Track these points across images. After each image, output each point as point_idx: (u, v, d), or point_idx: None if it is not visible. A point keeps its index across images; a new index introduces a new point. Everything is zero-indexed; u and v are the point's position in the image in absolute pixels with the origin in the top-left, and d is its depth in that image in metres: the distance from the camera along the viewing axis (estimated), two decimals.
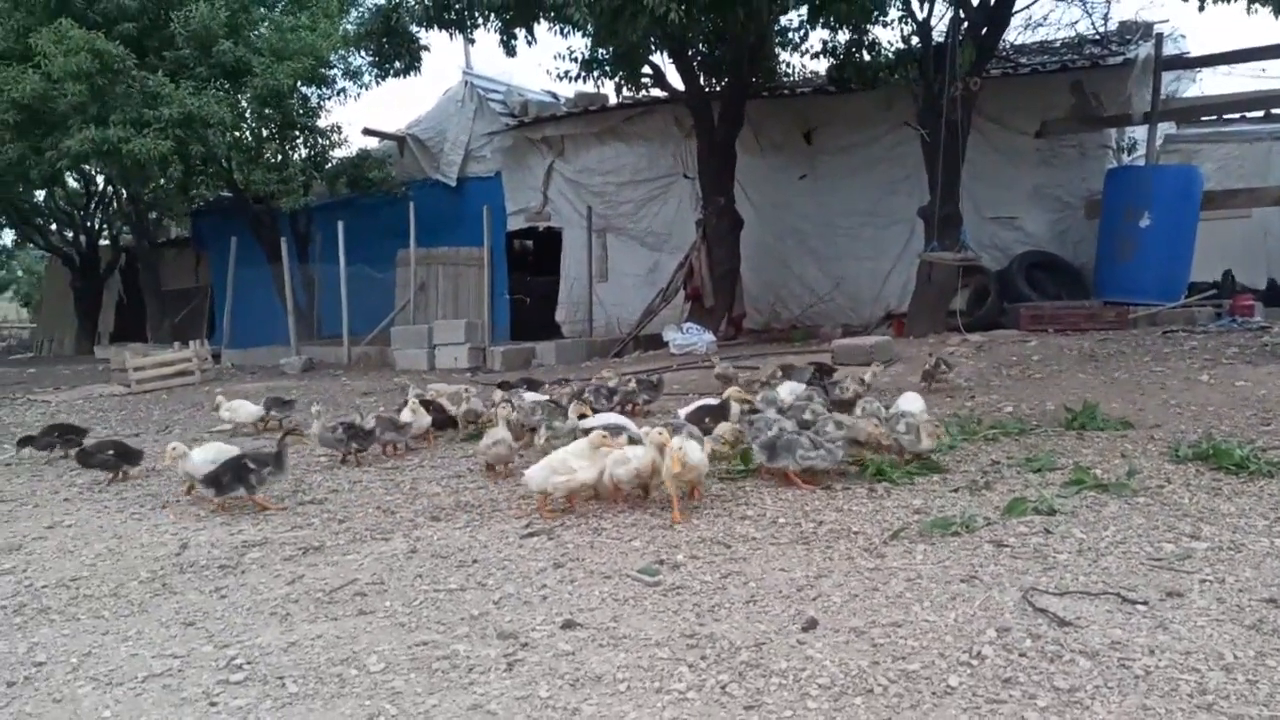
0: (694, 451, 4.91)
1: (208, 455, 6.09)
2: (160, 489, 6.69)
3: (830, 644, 3.25)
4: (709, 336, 13.51)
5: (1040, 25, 15.70)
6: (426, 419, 7.60)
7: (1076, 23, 15.51)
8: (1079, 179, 14.09)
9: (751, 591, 3.83)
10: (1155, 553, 3.95)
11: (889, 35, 15.42)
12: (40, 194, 23.94)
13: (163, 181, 18.85)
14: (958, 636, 3.23)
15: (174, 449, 6.06)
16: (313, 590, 4.25)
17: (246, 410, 8.98)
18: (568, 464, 5.15)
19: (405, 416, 7.49)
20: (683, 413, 6.77)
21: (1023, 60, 14.86)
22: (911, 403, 6.24)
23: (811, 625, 3.40)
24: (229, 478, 5.74)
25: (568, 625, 3.60)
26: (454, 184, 18.71)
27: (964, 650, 3.11)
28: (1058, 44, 15.54)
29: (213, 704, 3.13)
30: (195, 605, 4.16)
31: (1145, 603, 3.41)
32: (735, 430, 6.01)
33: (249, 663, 3.44)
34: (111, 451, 7.11)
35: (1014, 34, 14.94)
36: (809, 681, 2.97)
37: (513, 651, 3.39)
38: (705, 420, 6.30)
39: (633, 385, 8.39)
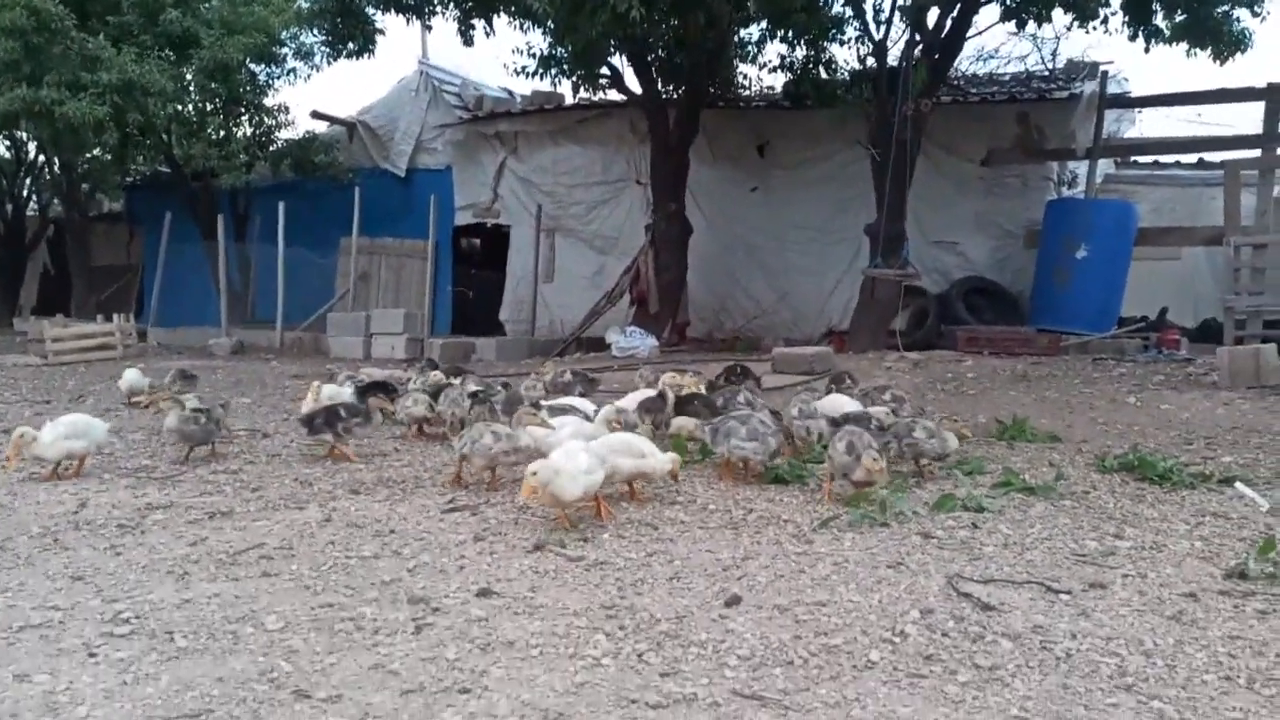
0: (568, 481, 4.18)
1: (59, 431, 5.40)
2: None
3: (753, 619, 3.16)
4: (651, 341, 13.42)
5: (991, 57, 16.02)
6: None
7: (1026, 56, 15.90)
8: (1020, 209, 14.37)
9: (676, 569, 3.73)
10: (1079, 549, 3.96)
11: (845, 54, 15.62)
12: None
13: (97, 151, 18.20)
14: (881, 616, 3.16)
15: (21, 435, 5.30)
16: (215, 552, 4.02)
17: (128, 379, 8.81)
18: (636, 447, 4.81)
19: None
20: (625, 404, 6.62)
21: (972, 90, 15.16)
22: (836, 404, 6.22)
23: (735, 601, 3.31)
24: (320, 420, 5.95)
25: (483, 593, 3.45)
26: (403, 174, 18.35)
27: (887, 629, 3.05)
28: (1007, 77, 15.90)
29: (92, 655, 2.91)
30: (87, 561, 3.91)
31: (1069, 592, 3.39)
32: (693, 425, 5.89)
33: (137, 617, 3.22)
34: None
35: (966, 63, 15.26)
36: (728, 652, 2.88)
37: (422, 616, 3.23)
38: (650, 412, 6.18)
39: (569, 376, 8.27)
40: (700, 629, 3.07)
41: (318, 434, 6.03)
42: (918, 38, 12.10)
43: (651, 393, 6.69)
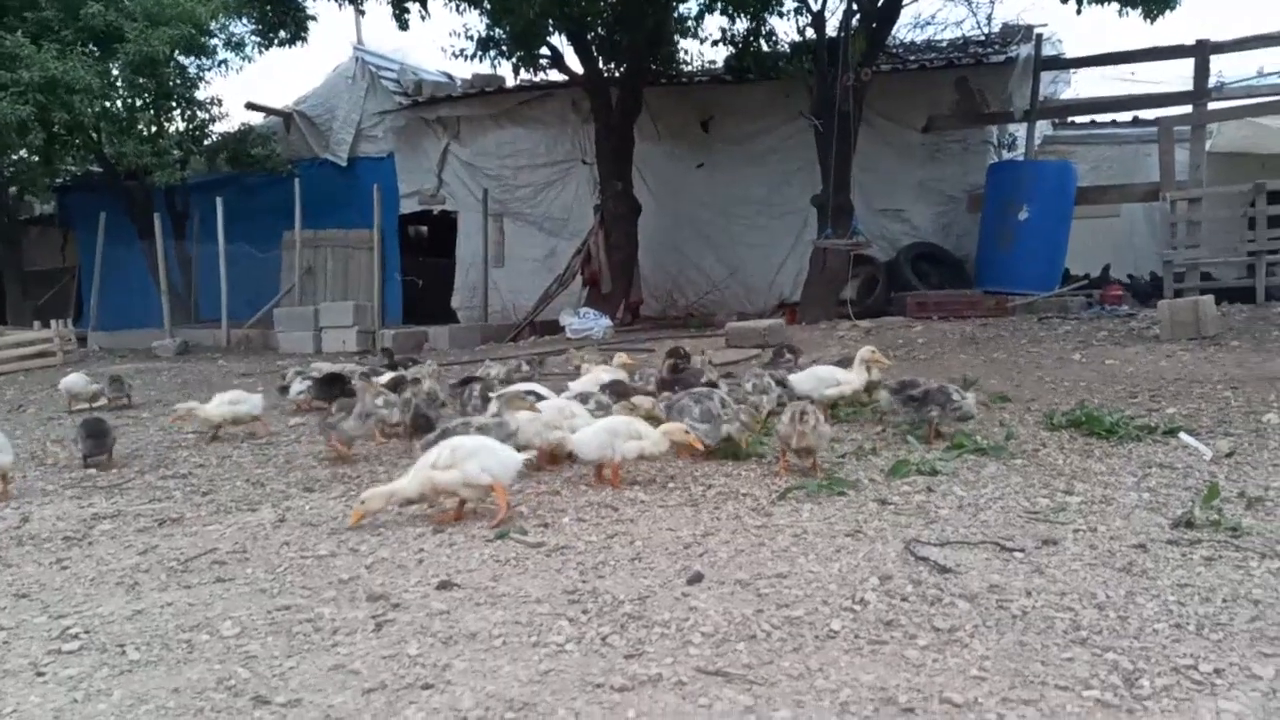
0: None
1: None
2: None
3: (715, 595, 3.17)
4: (606, 321, 13.39)
5: (928, 24, 16.21)
6: None
7: (962, 22, 16.07)
8: (962, 174, 14.58)
9: (637, 550, 3.72)
10: (1031, 507, 4.03)
11: (785, 26, 15.64)
12: None
13: (24, 152, 17.56)
14: (841, 585, 3.19)
15: None
16: (166, 560, 3.93)
17: (70, 383, 8.69)
18: (635, 429, 4.73)
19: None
20: (582, 385, 6.57)
21: (911, 58, 15.28)
22: (812, 376, 6.18)
23: (697, 579, 3.32)
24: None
25: (444, 586, 3.41)
26: (344, 163, 18.01)
27: (847, 597, 3.08)
28: (944, 43, 16.05)
29: (39, 674, 2.82)
30: (31, 577, 3.79)
31: (1022, 550, 3.45)
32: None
33: (86, 632, 3.13)
34: None
35: (903, 32, 15.39)
36: (692, 630, 2.88)
37: (382, 613, 3.19)
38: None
39: (525, 368, 8.22)
40: (663, 608, 3.07)
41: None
42: (855, 7, 12.16)
43: (609, 374, 6.68)
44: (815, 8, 12.72)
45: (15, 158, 18.41)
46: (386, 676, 2.69)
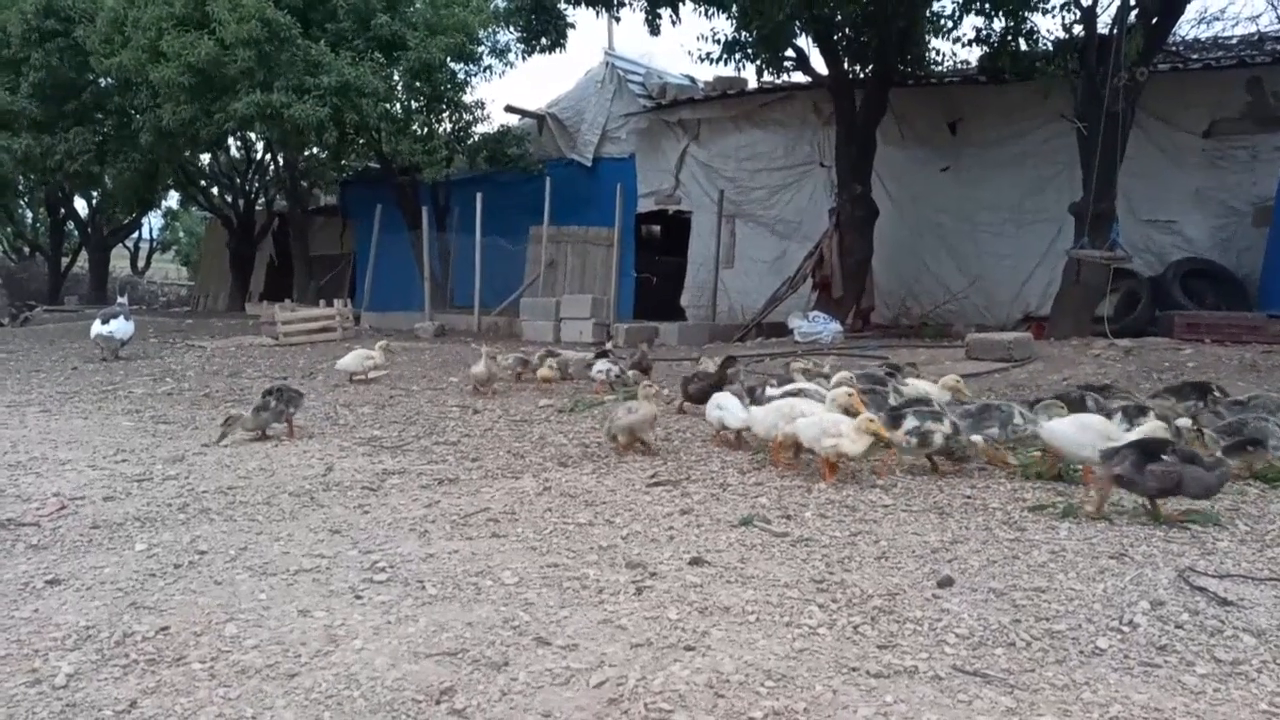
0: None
1: None
2: (304, 423, 7.06)
3: (968, 601, 3.15)
4: (836, 326, 13.24)
5: (1216, 19, 14.73)
6: None
7: (1258, 17, 14.46)
8: (1249, 183, 13.11)
9: (883, 549, 3.76)
10: None
11: (1049, 24, 14.76)
12: (205, 158, 25.55)
13: (316, 150, 19.84)
14: (1107, 605, 3.08)
15: None
16: (448, 514, 4.41)
17: (348, 358, 9.81)
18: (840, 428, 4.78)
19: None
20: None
21: (1194, 56, 13.96)
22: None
23: (947, 583, 3.31)
24: None
25: (695, 562, 3.62)
26: (589, 164, 18.95)
27: (1114, 618, 2.97)
28: (1234, 40, 14.54)
29: (358, 597, 3.29)
30: (340, 518, 4.38)
31: None
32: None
33: (390, 567, 3.60)
34: None
35: (1186, 28, 14.10)
36: (946, 631, 2.90)
37: (641, 579, 3.43)
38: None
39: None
40: (914, 607, 3.10)
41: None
42: (1133, 1, 11.28)
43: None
44: (1086, 3, 11.92)
45: (308, 154, 20.88)
46: (651, 635, 2.91)
